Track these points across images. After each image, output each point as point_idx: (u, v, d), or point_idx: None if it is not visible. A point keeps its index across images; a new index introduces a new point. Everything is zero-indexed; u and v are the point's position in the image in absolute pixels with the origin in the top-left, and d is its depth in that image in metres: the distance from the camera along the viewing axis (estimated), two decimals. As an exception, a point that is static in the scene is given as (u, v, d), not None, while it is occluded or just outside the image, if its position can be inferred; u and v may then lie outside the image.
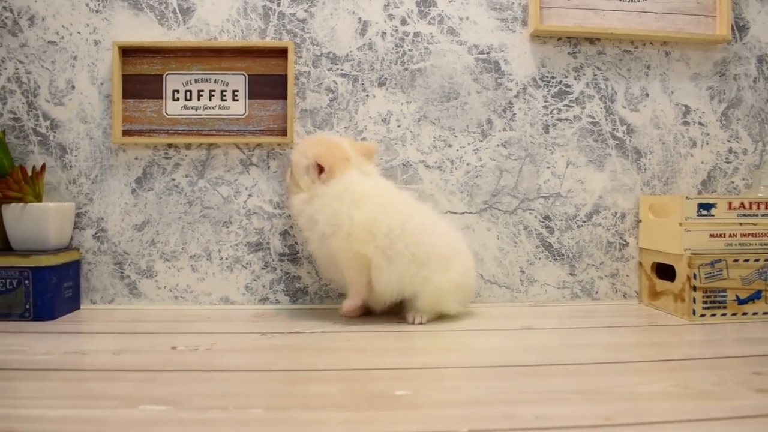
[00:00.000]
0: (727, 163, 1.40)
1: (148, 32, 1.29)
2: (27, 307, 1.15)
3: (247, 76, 1.29)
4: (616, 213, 1.37)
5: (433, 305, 1.14)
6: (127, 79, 1.28)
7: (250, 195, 1.31)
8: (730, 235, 1.19)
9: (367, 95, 1.32)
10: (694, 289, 1.18)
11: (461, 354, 0.99)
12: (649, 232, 1.32)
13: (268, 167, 1.31)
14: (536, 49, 1.35)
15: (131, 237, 1.30)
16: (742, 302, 1.19)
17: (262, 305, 1.31)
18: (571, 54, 1.35)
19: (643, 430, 0.64)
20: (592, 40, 1.35)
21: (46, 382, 0.80)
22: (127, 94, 1.28)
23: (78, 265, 1.28)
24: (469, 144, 1.33)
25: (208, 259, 1.31)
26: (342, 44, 1.31)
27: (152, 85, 1.28)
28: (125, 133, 1.28)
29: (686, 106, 1.38)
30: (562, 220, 1.35)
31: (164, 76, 1.29)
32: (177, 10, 1.29)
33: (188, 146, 1.30)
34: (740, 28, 1.39)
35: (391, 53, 1.32)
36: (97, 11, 1.28)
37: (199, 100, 1.29)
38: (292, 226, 1.31)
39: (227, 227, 1.31)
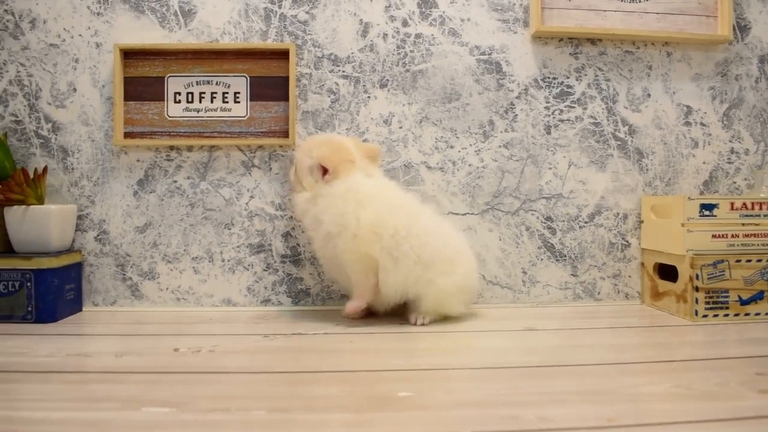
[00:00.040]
0: (729, 163, 1.39)
1: (149, 35, 1.29)
2: (29, 309, 1.15)
3: (248, 78, 1.29)
4: (618, 214, 1.36)
5: (436, 307, 1.14)
6: (128, 82, 1.28)
7: (251, 197, 1.31)
8: (732, 236, 1.19)
9: (369, 97, 1.32)
10: (697, 289, 1.17)
11: (464, 355, 0.99)
12: (652, 233, 1.32)
13: (270, 169, 1.31)
14: (538, 50, 1.35)
15: (133, 239, 1.30)
16: (744, 303, 1.19)
17: (264, 307, 1.31)
18: (573, 55, 1.35)
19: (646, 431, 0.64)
20: (593, 40, 1.35)
21: (49, 385, 0.80)
22: (128, 97, 1.28)
23: (80, 267, 1.28)
24: (470, 145, 1.33)
25: (210, 261, 1.31)
26: (343, 46, 1.31)
27: (154, 88, 1.28)
28: (127, 135, 1.28)
29: (688, 106, 1.38)
30: (564, 220, 1.35)
31: (166, 79, 1.29)
32: (178, 13, 1.29)
33: (190, 148, 1.30)
34: (742, 28, 1.39)
35: (393, 55, 1.32)
36: (98, 14, 1.28)
37: (200, 102, 1.29)
38: (294, 228, 1.31)
39: (229, 229, 1.31)
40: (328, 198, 1.12)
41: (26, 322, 1.15)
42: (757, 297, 1.19)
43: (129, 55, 1.28)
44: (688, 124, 1.38)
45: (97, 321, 1.19)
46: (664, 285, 1.28)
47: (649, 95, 1.37)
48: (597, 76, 1.36)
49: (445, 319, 1.16)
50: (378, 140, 1.31)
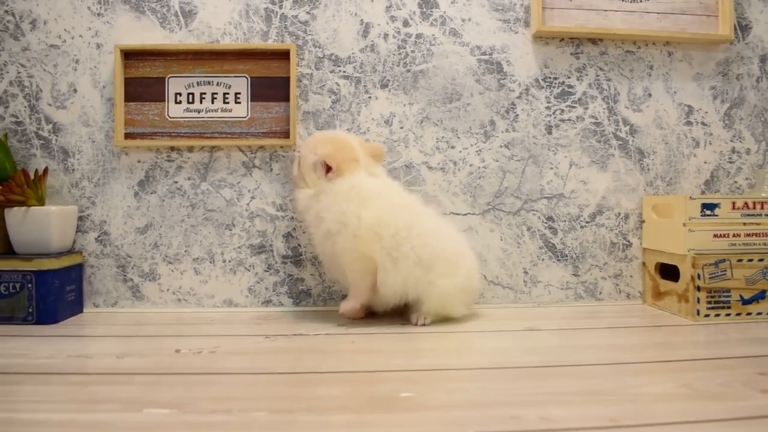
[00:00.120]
0: (730, 163, 1.39)
1: (150, 35, 1.29)
2: (30, 310, 1.15)
3: (249, 79, 1.29)
4: (619, 213, 1.36)
5: (438, 308, 1.13)
6: (129, 82, 1.28)
7: (252, 197, 1.31)
8: (733, 235, 1.19)
9: (370, 97, 1.31)
10: (698, 289, 1.17)
11: (466, 355, 0.98)
12: (653, 233, 1.31)
13: (271, 169, 1.30)
14: (539, 50, 1.34)
15: (134, 240, 1.30)
16: (746, 302, 1.18)
17: (266, 307, 1.31)
18: (574, 55, 1.35)
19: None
20: (594, 40, 1.35)
21: (49, 386, 0.79)
22: (129, 97, 1.28)
23: (81, 268, 1.28)
24: (471, 145, 1.33)
25: (211, 262, 1.30)
26: (344, 46, 1.31)
27: (154, 88, 1.28)
28: (127, 136, 1.28)
29: (689, 106, 1.38)
30: (565, 220, 1.35)
31: (166, 79, 1.28)
32: (179, 13, 1.29)
33: (191, 149, 1.30)
34: (743, 27, 1.39)
35: (394, 55, 1.32)
36: (98, 14, 1.28)
37: (201, 102, 1.29)
38: (295, 228, 1.31)
39: (230, 230, 1.31)
40: (331, 195, 1.12)
41: (27, 323, 1.15)
42: (759, 296, 1.19)
43: (129, 55, 1.28)
44: (689, 123, 1.38)
45: (98, 322, 1.19)
46: (665, 285, 1.27)
47: (650, 95, 1.37)
48: (598, 75, 1.36)
49: (446, 319, 1.16)
50: (379, 140, 1.31)
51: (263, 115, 1.29)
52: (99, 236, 1.29)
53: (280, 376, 0.85)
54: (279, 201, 1.31)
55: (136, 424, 0.66)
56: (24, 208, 1.18)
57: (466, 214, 1.33)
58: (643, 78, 1.37)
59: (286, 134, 1.29)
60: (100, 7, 1.28)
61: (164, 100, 1.28)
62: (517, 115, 1.34)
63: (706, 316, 1.17)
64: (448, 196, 1.33)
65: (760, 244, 1.20)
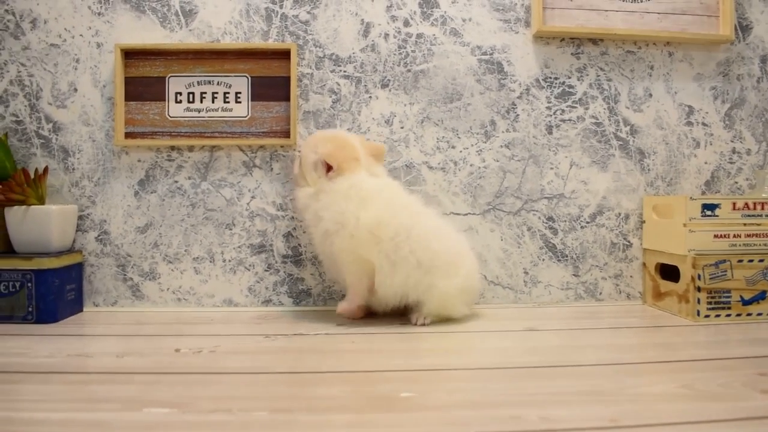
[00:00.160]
0: (731, 163, 1.39)
1: (150, 35, 1.29)
2: (30, 309, 1.15)
3: (249, 78, 1.29)
4: (619, 214, 1.36)
5: (439, 310, 1.13)
6: (129, 82, 1.28)
7: (253, 197, 1.30)
8: (734, 236, 1.19)
9: (370, 97, 1.31)
10: (699, 289, 1.17)
11: (466, 355, 0.98)
12: (653, 233, 1.31)
13: (271, 169, 1.30)
14: (539, 50, 1.34)
15: (134, 239, 1.29)
16: (746, 303, 1.18)
17: (266, 307, 1.31)
18: (574, 55, 1.35)
19: (649, 432, 0.64)
20: (595, 40, 1.35)
21: (49, 385, 0.79)
22: (129, 97, 1.28)
23: (81, 267, 1.28)
24: (472, 145, 1.33)
25: (211, 261, 1.30)
26: (345, 46, 1.31)
27: (155, 88, 1.28)
28: (128, 135, 1.28)
29: (690, 106, 1.38)
30: (565, 221, 1.35)
31: (167, 79, 1.28)
32: (179, 13, 1.29)
33: (191, 148, 1.30)
34: (743, 28, 1.39)
35: (394, 55, 1.32)
36: (99, 14, 1.28)
37: (201, 102, 1.29)
38: (295, 228, 1.31)
39: (230, 229, 1.30)
40: (330, 195, 1.11)
41: (27, 322, 1.15)
42: (759, 297, 1.19)
43: (130, 55, 1.28)
44: (689, 124, 1.38)
45: (97, 321, 1.19)
46: (665, 285, 1.27)
47: (650, 95, 1.37)
48: (598, 76, 1.35)
49: (446, 319, 1.16)
50: (379, 140, 1.31)
51: (264, 114, 1.29)
52: (99, 235, 1.29)
53: (280, 375, 0.85)
54: (279, 200, 1.30)
55: (136, 423, 0.66)
56: (24, 207, 1.18)
57: (466, 214, 1.33)
58: (644, 78, 1.37)
59: (286, 134, 1.29)
60: (101, 7, 1.28)
61: (164, 100, 1.28)
62: (518, 115, 1.34)
63: (707, 316, 1.17)
64: (449, 196, 1.33)
65: (760, 245, 1.20)
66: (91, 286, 1.30)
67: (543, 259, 1.35)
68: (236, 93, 1.29)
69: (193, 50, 1.28)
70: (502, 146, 1.33)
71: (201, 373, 0.85)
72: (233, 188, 1.30)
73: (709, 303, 1.17)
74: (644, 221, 1.35)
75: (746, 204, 1.20)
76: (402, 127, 1.32)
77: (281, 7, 1.30)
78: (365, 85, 1.31)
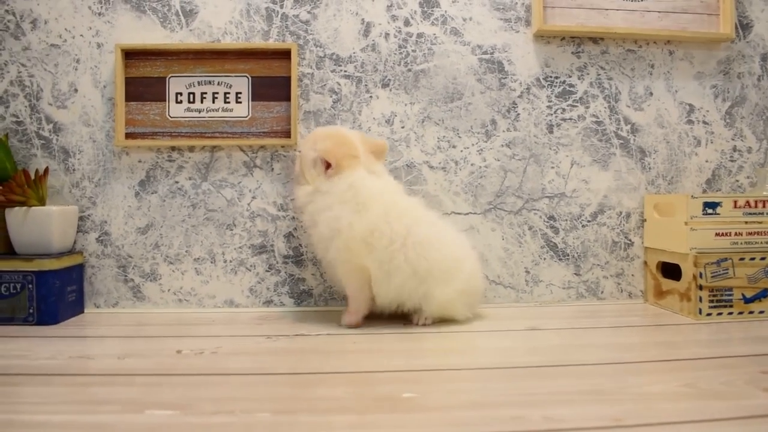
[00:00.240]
0: (732, 161, 1.39)
1: (150, 35, 1.29)
2: (31, 311, 1.15)
3: (250, 78, 1.29)
4: (621, 212, 1.36)
5: (440, 313, 1.13)
6: (129, 82, 1.28)
7: (254, 197, 1.30)
8: (735, 234, 1.19)
9: (371, 96, 1.31)
10: (700, 288, 1.17)
11: (468, 355, 0.98)
12: (655, 232, 1.31)
13: (272, 169, 1.30)
14: (540, 49, 1.34)
15: (135, 240, 1.29)
16: (748, 301, 1.18)
17: (267, 308, 1.31)
18: (575, 54, 1.35)
19: (653, 431, 0.64)
20: (595, 39, 1.35)
21: (50, 387, 0.79)
22: (130, 97, 1.28)
23: (81, 268, 1.28)
24: (473, 144, 1.33)
25: (212, 262, 1.30)
26: (345, 45, 1.31)
27: (155, 88, 1.28)
28: (128, 136, 1.28)
29: (690, 104, 1.38)
30: (566, 220, 1.35)
31: (167, 79, 1.28)
32: (180, 13, 1.29)
33: (191, 149, 1.30)
34: (744, 26, 1.39)
35: (395, 54, 1.32)
36: (99, 14, 1.28)
37: (202, 102, 1.29)
38: (296, 228, 1.31)
39: (231, 230, 1.30)
40: (326, 196, 1.09)
41: (28, 324, 1.15)
42: (761, 295, 1.19)
43: (130, 55, 1.28)
44: (690, 122, 1.38)
45: (99, 323, 1.19)
46: (667, 283, 1.27)
47: (651, 94, 1.37)
48: (599, 74, 1.35)
49: (448, 319, 1.15)
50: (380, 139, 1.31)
51: (264, 114, 1.29)
52: (100, 236, 1.29)
53: (281, 376, 0.85)
54: (280, 201, 1.30)
55: (138, 425, 0.66)
56: (25, 208, 1.18)
57: (467, 214, 1.33)
58: (645, 77, 1.37)
59: (287, 134, 1.29)
60: (101, 7, 1.28)
61: (165, 100, 1.28)
62: (519, 114, 1.34)
63: (708, 314, 1.17)
64: (450, 195, 1.33)
65: (762, 243, 1.19)
66: (92, 287, 1.29)
67: (544, 258, 1.35)
68: (237, 93, 1.29)
69: (194, 50, 1.28)
70: (502, 145, 1.33)
71: (203, 374, 0.85)
72: (234, 188, 1.30)
73: (711, 301, 1.17)
74: (645, 220, 1.35)
75: (747, 202, 1.20)
76: (403, 127, 1.32)
77: (282, 6, 1.30)
78: (366, 85, 1.31)
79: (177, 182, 1.30)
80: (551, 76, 1.34)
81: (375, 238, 1.07)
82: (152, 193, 1.29)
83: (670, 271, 1.27)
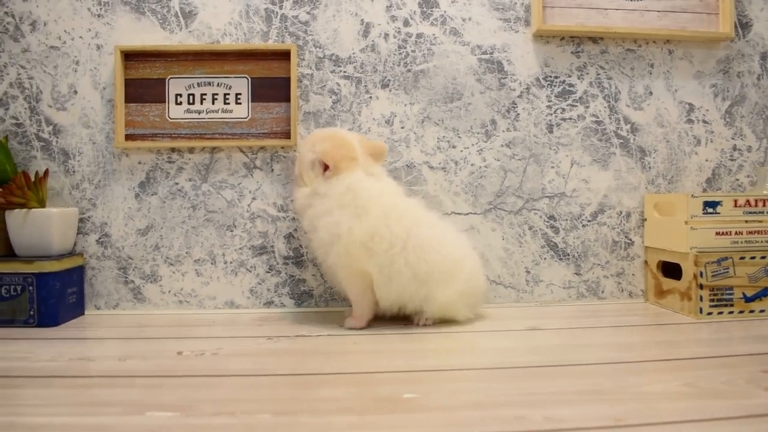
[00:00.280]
0: (732, 160, 1.39)
1: (150, 36, 1.29)
2: (31, 313, 1.15)
3: (249, 79, 1.29)
4: (621, 212, 1.36)
5: (441, 314, 1.12)
6: (129, 84, 1.28)
7: (254, 198, 1.30)
8: (736, 233, 1.19)
9: (371, 97, 1.31)
10: (701, 287, 1.17)
11: (469, 356, 0.98)
12: (655, 231, 1.31)
13: (272, 170, 1.30)
14: (539, 49, 1.34)
15: (135, 242, 1.29)
16: (749, 300, 1.18)
17: (267, 309, 1.31)
18: (575, 53, 1.35)
19: (654, 431, 0.64)
20: (595, 39, 1.35)
21: (51, 389, 0.79)
22: (129, 99, 1.28)
23: (82, 270, 1.28)
24: (473, 145, 1.33)
25: (212, 263, 1.30)
26: (345, 46, 1.31)
27: (155, 89, 1.28)
28: (128, 137, 1.28)
29: (690, 104, 1.38)
30: (567, 219, 1.35)
31: (167, 80, 1.28)
32: (179, 14, 1.29)
33: (191, 150, 1.30)
34: (743, 25, 1.39)
35: (394, 55, 1.32)
36: (99, 16, 1.28)
37: (202, 103, 1.29)
38: (296, 229, 1.31)
39: (231, 231, 1.30)
40: (325, 199, 1.09)
41: (28, 326, 1.15)
42: (762, 294, 1.18)
43: (130, 56, 1.28)
44: (690, 121, 1.38)
45: (99, 325, 1.19)
46: (668, 283, 1.27)
47: (651, 93, 1.37)
48: (599, 74, 1.35)
49: (449, 319, 1.15)
50: (380, 141, 1.31)
51: (264, 115, 1.29)
52: (100, 238, 1.29)
53: (282, 377, 0.85)
54: (280, 202, 1.30)
55: (139, 427, 0.66)
56: (25, 210, 1.18)
57: (467, 214, 1.33)
58: (644, 76, 1.37)
59: (287, 135, 1.29)
60: (100, 9, 1.28)
61: (165, 101, 1.28)
62: (518, 114, 1.34)
63: (709, 314, 1.17)
64: (450, 195, 1.33)
65: (762, 242, 1.19)
66: (93, 289, 1.29)
67: (545, 258, 1.34)
68: (236, 94, 1.29)
69: (193, 52, 1.28)
70: (502, 145, 1.33)
71: (203, 375, 0.85)
72: (234, 190, 1.30)
73: (712, 300, 1.17)
74: (645, 219, 1.35)
75: (747, 201, 1.20)
76: (402, 127, 1.32)
77: (281, 7, 1.30)
78: (365, 86, 1.31)
79: (177, 183, 1.30)
80: (551, 76, 1.34)
81: (375, 243, 1.07)
82: (152, 195, 1.29)
83: (671, 270, 1.27)
